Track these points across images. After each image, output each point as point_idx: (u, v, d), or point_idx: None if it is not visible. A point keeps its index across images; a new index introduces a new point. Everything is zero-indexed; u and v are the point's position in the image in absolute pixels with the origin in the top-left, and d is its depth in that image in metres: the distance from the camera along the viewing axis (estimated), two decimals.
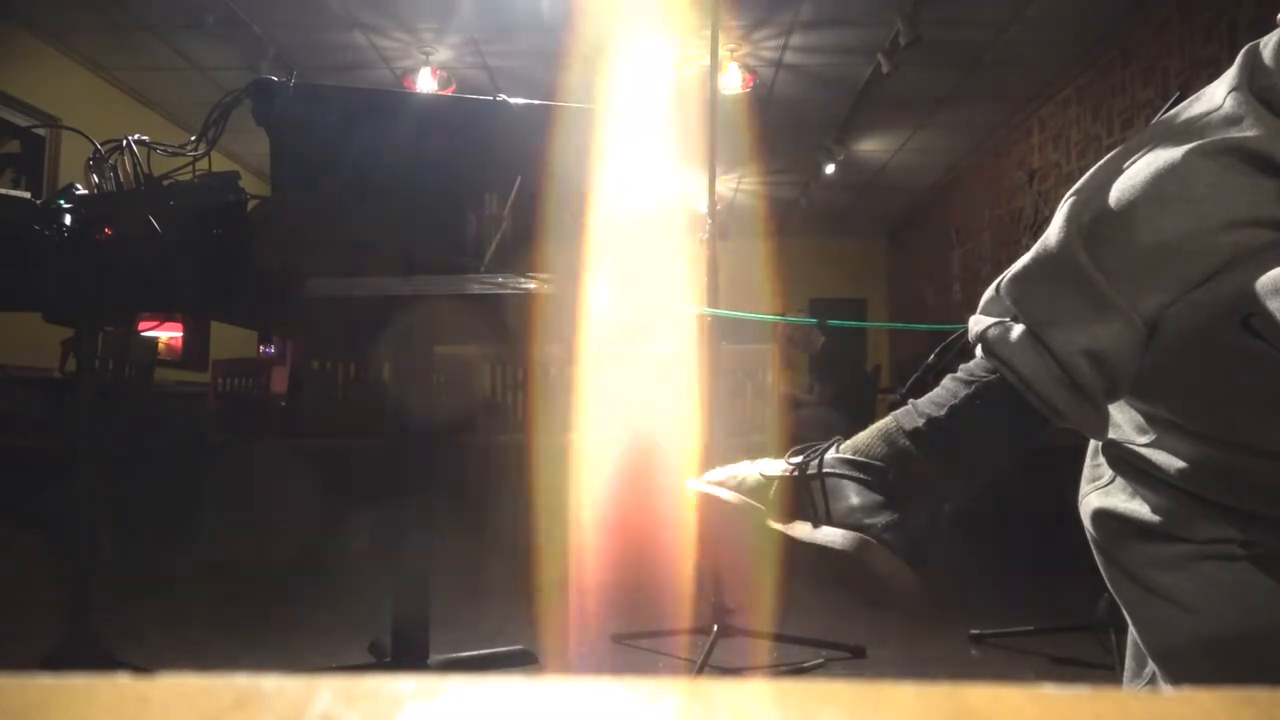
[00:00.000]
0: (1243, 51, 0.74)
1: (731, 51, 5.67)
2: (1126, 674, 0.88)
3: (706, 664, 2.03)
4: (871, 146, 7.58)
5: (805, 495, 0.81)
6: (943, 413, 0.77)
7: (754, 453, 0.91)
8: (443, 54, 5.77)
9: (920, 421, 0.78)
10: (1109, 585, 0.83)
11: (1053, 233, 0.74)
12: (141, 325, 2.84)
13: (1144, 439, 0.78)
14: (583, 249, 1.47)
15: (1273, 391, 0.66)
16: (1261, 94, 0.72)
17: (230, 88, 1.51)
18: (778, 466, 0.85)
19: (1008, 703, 0.23)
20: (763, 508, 0.84)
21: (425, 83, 5.80)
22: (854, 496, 0.79)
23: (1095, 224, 0.72)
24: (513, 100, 1.58)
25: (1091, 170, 0.77)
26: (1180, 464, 0.74)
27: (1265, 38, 0.74)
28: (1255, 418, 0.68)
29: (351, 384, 4.09)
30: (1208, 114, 0.73)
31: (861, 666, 2.10)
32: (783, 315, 4.71)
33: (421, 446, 1.80)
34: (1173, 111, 0.77)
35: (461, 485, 3.56)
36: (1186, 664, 0.76)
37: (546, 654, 2.14)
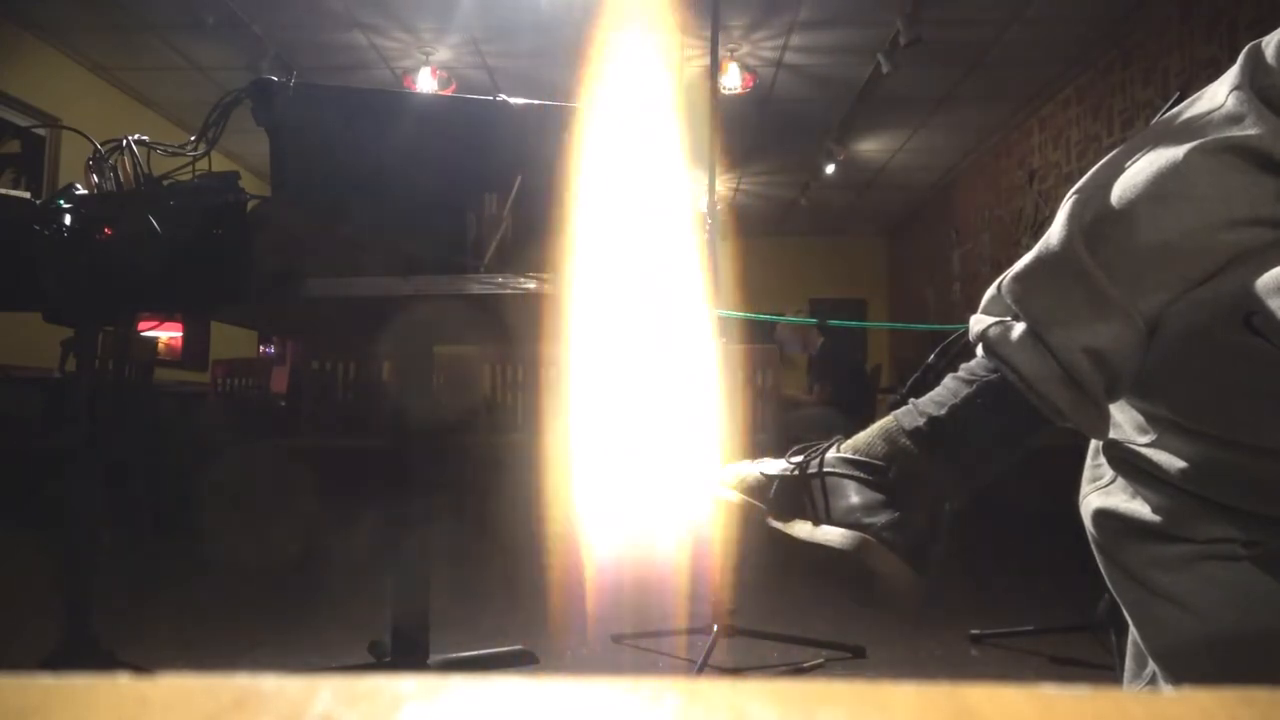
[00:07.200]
0: (1245, 50, 0.74)
1: (731, 51, 5.67)
2: (1126, 674, 0.88)
3: (706, 664, 2.03)
4: (871, 146, 7.58)
5: (805, 494, 0.81)
6: (943, 412, 0.77)
7: (754, 453, 0.91)
8: (443, 54, 5.77)
9: (921, 421, 0.78)
10: (1109, 585, 0.83)
11: (1054, 232, 0.74)
12: (141, 325, 2.84)
13: (1145, 439, 0.78)
14: (582, 249, 1.47)
15: (1274, 390, 0.66)
16: (1263, 93, 0.72)
17: (230, 88, 1.51)
18: (778, 465, 0.85)
19: (1008, 703, 0.23)
20: (763, 506, 0.84)
21: (425, 83, 5.80)
22: (854, 495, 0.79)
23: (1097, 223, 0.72)
24: (513, 100, 1.58)
25: (1093, 169, 0.77)
26: (1181, 464, 0.74)
27: (1267, 37, 0.74)
28: (1256, 416, 0.68)
29: (351, 384, 4.09)
30: (1209, 113, 0.73)
31: (861, 666, 2.10)
32: (782, 315, 4.71)
33: (421, 446, 1.80)
34: (1174, 111, 0.77)
35: (461, 485, 3.56)
36: (1187, 664, 0.76)
37: (546, 654, 2.13)
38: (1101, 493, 0.83)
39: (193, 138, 1.51)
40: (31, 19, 5.28)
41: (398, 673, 0.24)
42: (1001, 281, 0.77)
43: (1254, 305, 0.65)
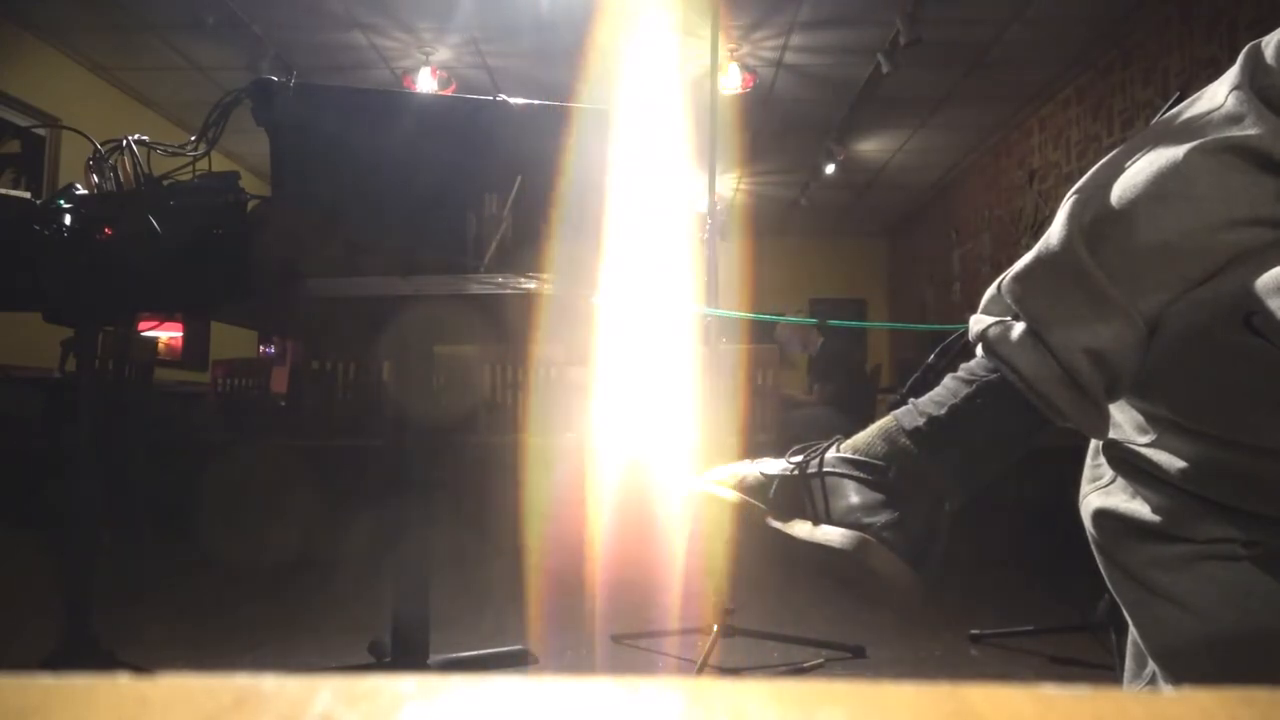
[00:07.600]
0: (1244, 50, 0.74)
1: (731, 51, 5.67)
2: (1126, 674, 0.88)
3: (706, 664, 2.03)
4: (871, 146, 7.57)
5: (805, 494, 0.81)
6: (943, 412, 0.77)
7: (754, 453, 0.91)
8: (443, 54, 5.76)
9: (921, 420, 0.78)
10: (1109, 585, 0.83)
11: (1054, 232, 0.74)
12: (141, 325, 2.85)
13: (1145, 439, 0.78)
14: (582, 249, 1.47)
15: (1274, 390, 0.66)
16: (1263, 93, 0.72)
17: (230, 88, 1.51)
18: (778, 465, 0.85)
19: (1008, 703, 0.23)
20: (763, 506, 0.84)
21: (425, 83, 5.80)
22: (854, 495, 0.79)
23: (1097, 223, 0.72)
24: (513, 100, 1.58)
25: (1093, 169, 0.77)
26: (1181, 464, 0.74)
27: (1267, 37, 0.74)
28: (1256, 416, 0.68)
29: (351, 384, 4.08)
30: (1209, 113, 0.73)
31: (861, 666, 2.10)
32: (782, 315, 4.71)
33: (421, 446, 1.80)
34: (1174, 111, 0.77)
35: (461, 485, 3.56)
36: (1187, 664, 0.76)
37: (546, 654, 2.13)
38: (1101, 493, 0.83)
39: (193, 138, 1.51)
40: (31, 19, 5.27)
41: (398, 673, 0.24)
42: (1001, 281, 0.77)
43: (1254, 305, 0.65)
